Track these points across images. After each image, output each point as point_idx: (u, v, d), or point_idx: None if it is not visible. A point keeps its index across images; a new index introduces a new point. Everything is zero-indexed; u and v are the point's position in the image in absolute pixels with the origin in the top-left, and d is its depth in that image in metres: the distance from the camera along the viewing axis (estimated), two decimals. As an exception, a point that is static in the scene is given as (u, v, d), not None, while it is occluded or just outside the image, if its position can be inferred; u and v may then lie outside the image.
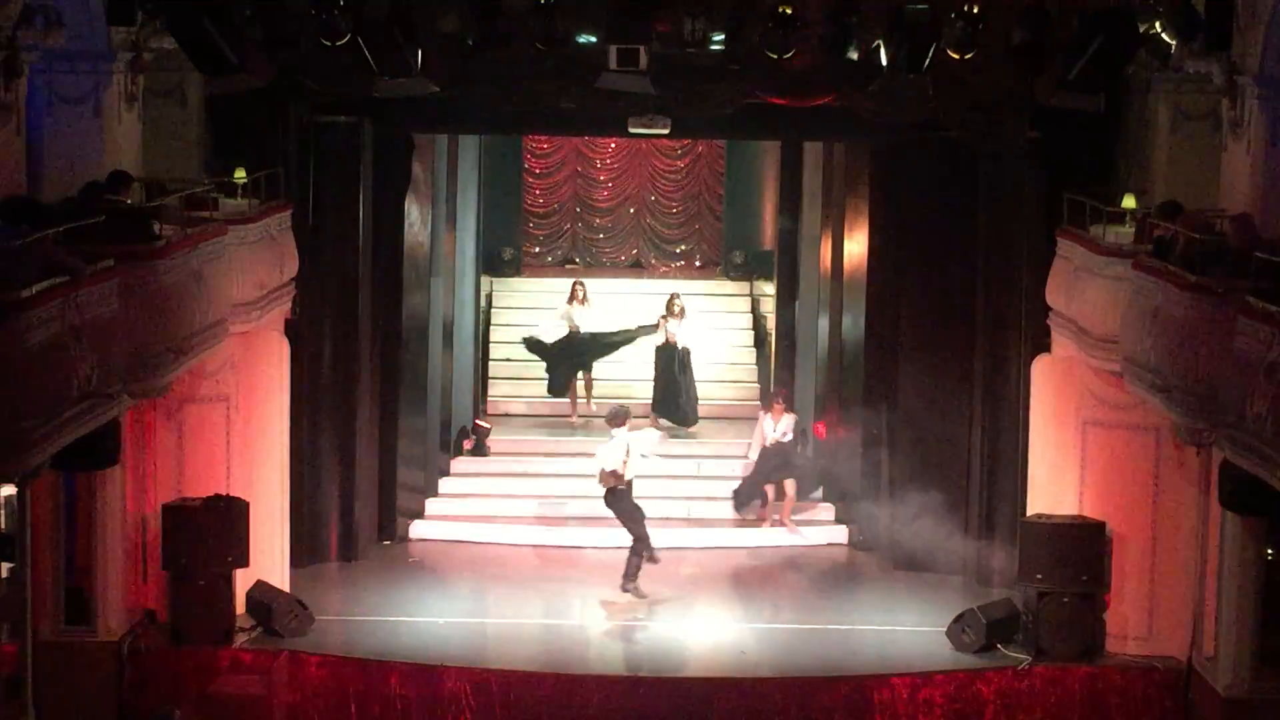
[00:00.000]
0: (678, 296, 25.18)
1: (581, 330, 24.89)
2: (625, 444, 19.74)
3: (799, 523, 22.47)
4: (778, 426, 22.25)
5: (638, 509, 20.04)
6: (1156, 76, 18.44)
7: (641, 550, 19.94)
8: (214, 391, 18.37)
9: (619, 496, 19.87)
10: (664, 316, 24.73)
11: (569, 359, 24.94)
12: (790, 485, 22.31)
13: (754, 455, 22.48)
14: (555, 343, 24.88)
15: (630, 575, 19.91)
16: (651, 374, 24.64)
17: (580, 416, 24.88)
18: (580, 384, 25.14)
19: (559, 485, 22.90)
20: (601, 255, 30.08)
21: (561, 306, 25.15)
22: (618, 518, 20.00)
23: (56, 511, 16.73)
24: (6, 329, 12.93)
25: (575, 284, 25.45)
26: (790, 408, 22.68)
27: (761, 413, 22.68)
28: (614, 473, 19.67)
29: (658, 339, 24.69)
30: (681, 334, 24.69)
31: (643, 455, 19.95)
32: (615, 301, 27.11)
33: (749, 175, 28.87)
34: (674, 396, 24.45)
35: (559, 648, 18.67)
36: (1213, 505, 16.53)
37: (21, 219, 14.13)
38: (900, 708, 17.51)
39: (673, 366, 24.53)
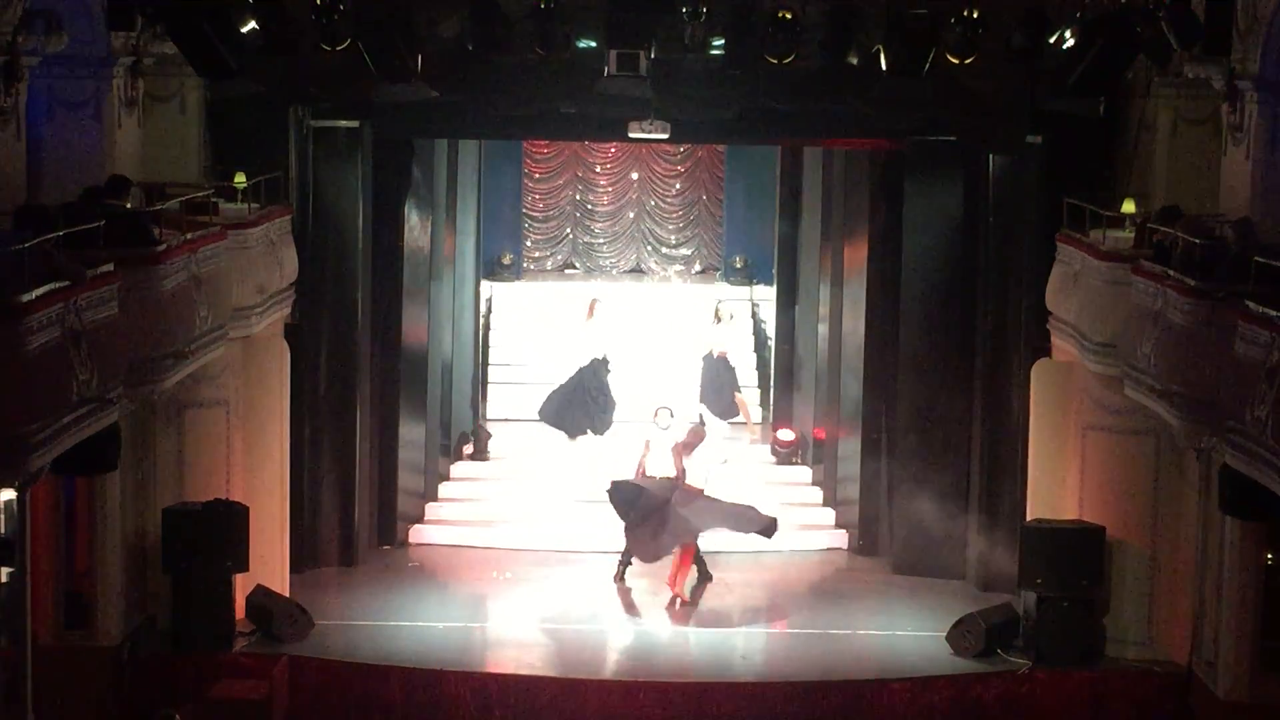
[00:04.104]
0: (722, 302, 25.03)
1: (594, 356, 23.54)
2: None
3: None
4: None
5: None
6: (1156, 81, 18.45)
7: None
8: (214, 396, 18.37)
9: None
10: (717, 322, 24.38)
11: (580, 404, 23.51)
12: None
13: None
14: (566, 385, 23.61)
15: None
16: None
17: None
18: None
19: (558, 489, 22.89)
20: (601, 260, 30.05)
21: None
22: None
23: (56, 516, 16.69)
24: (6, 334, 12.92)
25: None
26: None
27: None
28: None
29: (702, 349, 24.26)
30: (728, 340, 24.45)
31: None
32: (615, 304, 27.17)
33: (749, 180, 28.84)
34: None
35: (558, 652, 18.66)
36: (1213, 510, 16.52)
37: (33, 227, 14.13)
38: (901, 712, 17.50)
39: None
